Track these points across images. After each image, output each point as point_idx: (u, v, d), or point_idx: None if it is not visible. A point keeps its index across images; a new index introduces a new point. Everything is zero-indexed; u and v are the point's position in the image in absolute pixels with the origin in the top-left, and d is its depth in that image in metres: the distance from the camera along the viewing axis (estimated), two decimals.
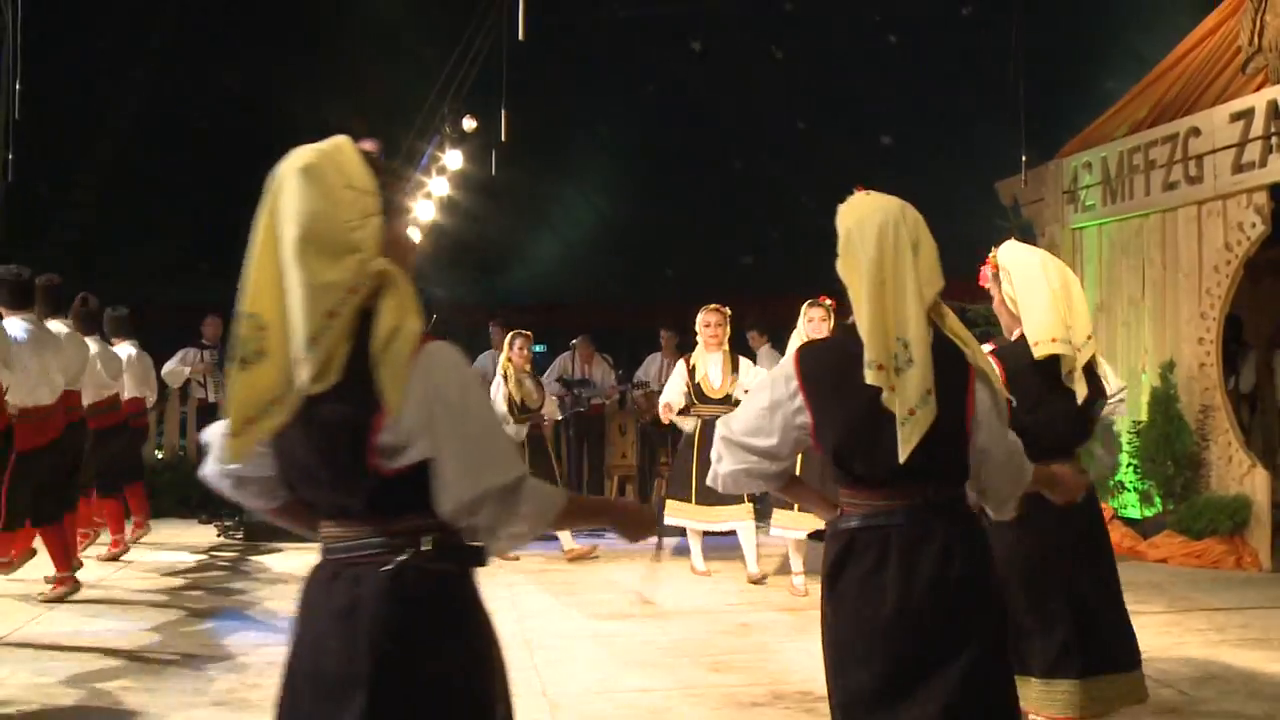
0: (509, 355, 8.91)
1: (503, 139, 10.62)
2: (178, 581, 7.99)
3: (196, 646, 6.08)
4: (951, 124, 14.09)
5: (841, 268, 2.75)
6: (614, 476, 12.93)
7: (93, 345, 8.11)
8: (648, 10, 14.95)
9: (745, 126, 16.02)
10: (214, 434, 2.28)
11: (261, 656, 5.79)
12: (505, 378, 8.84)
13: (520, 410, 8.79)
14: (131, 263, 13.29)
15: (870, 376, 2.61)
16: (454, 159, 12.16)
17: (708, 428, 7.90)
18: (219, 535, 10.19)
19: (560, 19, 10.26)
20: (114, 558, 8.69)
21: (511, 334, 9.09)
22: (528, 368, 9.08)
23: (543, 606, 7.17)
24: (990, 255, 4.09)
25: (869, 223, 2.69)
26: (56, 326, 7.17)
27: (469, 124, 12.08)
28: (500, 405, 8.75)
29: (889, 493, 2.69)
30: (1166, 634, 6.37)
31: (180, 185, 14.13)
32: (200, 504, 11.24)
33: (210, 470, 2.30)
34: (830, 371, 2.72)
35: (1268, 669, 5.65)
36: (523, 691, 5.22)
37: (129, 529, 9.11)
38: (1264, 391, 11.24)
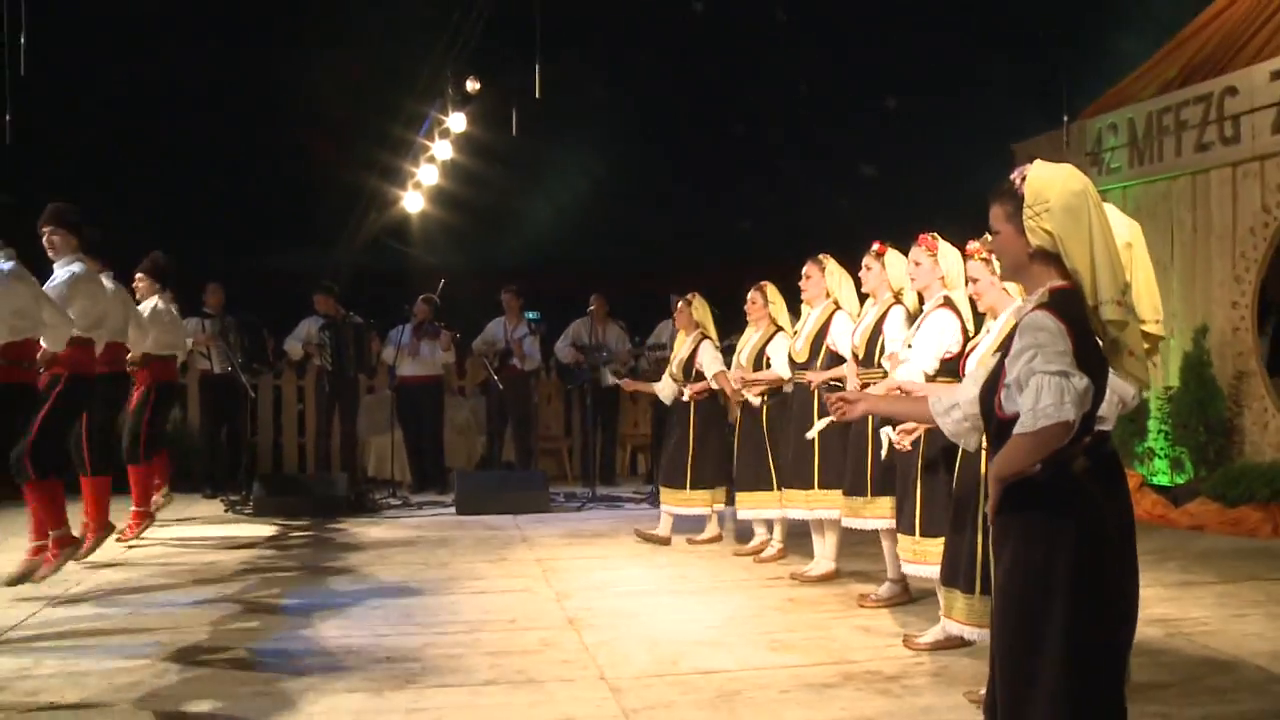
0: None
1: (537, 95, 10.18)
2: (202, 558, 7.71)
3: (238, 633, 5.83)
4: (963, 86, 13.81)
5: (1055, 225, 2.95)
6: (628, 446, 12.69)
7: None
8: None
9: (748, 91, 15.69)
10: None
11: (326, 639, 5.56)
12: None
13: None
14: (128, 223, 12.87)
15: (1110, 312, 2.92)
16: (457, 121, 11.83)
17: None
18: (225, 510, 9.90)
19: None
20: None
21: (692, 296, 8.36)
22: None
23: (578, 585, 6.90)
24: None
25: (1083, 190, 2.98)
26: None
27: (472, 85, 11.73)
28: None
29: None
30: (1224, 606, 6.20)
31: (178, 147, 13.71)
32: (204, 478, 10.94)
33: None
34: (1084, 325, 2.92)
35: None
36: (578, 675, 5.01)
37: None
38: None
